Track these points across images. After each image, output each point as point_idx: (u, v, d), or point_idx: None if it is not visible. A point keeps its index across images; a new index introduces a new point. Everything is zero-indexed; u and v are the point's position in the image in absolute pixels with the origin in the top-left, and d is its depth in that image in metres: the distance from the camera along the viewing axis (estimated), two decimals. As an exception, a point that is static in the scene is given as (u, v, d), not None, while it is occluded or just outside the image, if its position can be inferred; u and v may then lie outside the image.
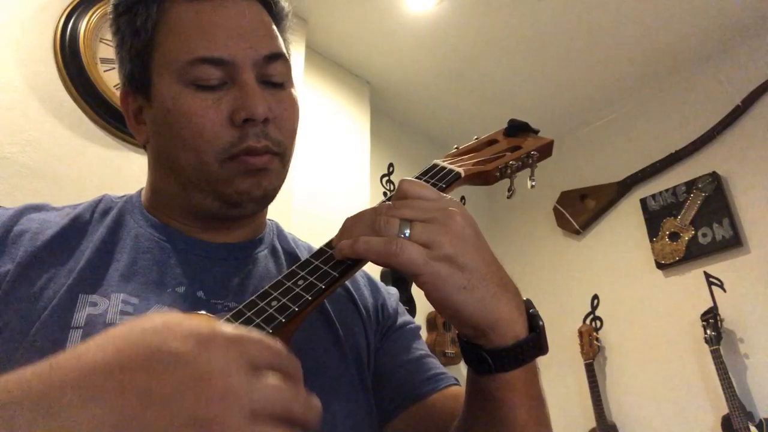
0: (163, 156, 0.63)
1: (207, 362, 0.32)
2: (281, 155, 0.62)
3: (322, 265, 0.50)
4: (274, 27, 0.64)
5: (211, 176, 0.59)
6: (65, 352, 0.34)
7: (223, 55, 0.58)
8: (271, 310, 0.46)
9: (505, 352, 0.48)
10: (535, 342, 0.49)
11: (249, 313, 0.45)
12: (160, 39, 0.60)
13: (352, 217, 0.52)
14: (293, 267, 0.51)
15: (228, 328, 0.35)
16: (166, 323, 0.34)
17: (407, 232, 0.47)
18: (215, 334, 0.33)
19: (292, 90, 0.64)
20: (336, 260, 0.50)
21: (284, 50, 0.64)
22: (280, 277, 0.50)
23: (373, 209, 0.50)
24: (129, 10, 0.62)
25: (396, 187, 0.53)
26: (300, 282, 0.49)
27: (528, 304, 0.51)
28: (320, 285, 0.48)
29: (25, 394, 0.31)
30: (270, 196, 0.63)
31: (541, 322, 0.50)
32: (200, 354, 0.32)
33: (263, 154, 0.59)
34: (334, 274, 0.49)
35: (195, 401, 0.31)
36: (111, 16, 0.64)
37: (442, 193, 0.51)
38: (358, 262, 0.50)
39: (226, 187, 0.60)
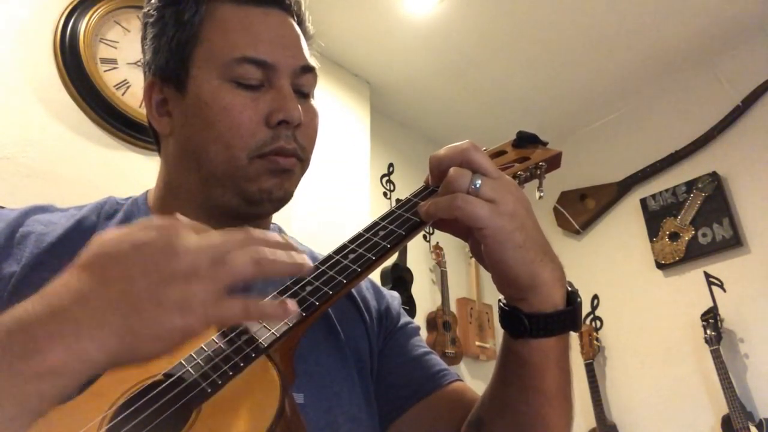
0: (189, 148, 0.63)
1: (163, 235, 0.38)
2: (303, 161, 0.65)
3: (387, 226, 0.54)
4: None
5: (237, 171, 0.61)
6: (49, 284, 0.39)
7: (267, 58, 0.61)
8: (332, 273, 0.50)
9: (543, 319, 0.51)
10: (571, 316, 0.52)
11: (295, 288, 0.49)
12: (206, 35, 0.62)
13: (436, 156, 0.56)
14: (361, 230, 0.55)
15: (166, 218, 0.41)
16: (113, 231, 0.40)
17: (478, 183, 0.50)
18: (175, 221, 0.40)
19: (314, 102, 0.67)
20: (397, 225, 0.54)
21: (315, 65, 0.67)
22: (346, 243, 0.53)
23: (457, 152, 0.54)
24: (177, 2, 0.63)
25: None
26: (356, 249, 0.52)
27: (570, 283, 0.54)
28: (369, 255, 0.51)
29: (31, 312, 0.36)
30: (287, 198, 0.65)
31: (579, 300, 0.53)
32: (165, 231, 0.38)
33: (291, 156, 0.62)
34: (385, 245, 0.52)
35: (167, 263, 0.37)
36: (155, 5, 0.65)
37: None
38: (422, 224, 0.54)
39: (251, 185, 0.61)
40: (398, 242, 0.52)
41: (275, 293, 0.48)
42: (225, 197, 0.63)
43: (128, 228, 0.40)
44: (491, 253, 0.50)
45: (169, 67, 0.63)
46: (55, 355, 0.33)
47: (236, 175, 0.61)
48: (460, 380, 0.70)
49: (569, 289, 0.53)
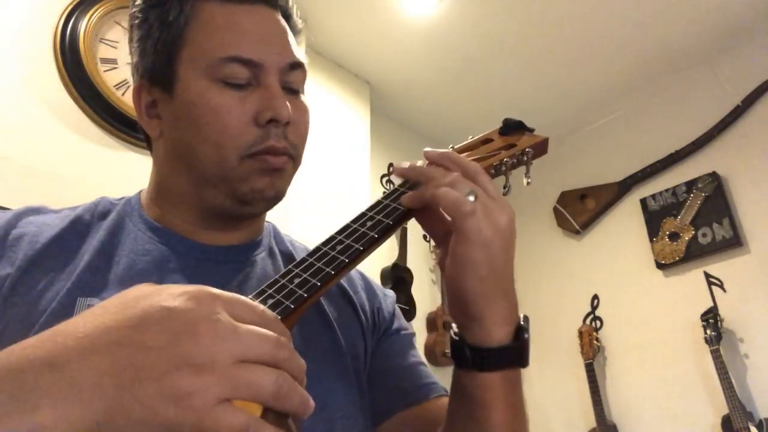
0: (179, 150, 0.63)
1: (197, 312, 0.35)
2: (294, 159, 0.64)
3: (369, 221, 0.54)
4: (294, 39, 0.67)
5: (229, 172, 0.60)
6: (65, 321, 0.36)
7: (253, 56, 0.60)
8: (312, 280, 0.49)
9: (486, 352, 0.51)
10: (516, 351, 0.52)
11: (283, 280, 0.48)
12: (192, 35, 0.61)
13: (443, 155, 0.55)
14: (333, 233, 0.54)
15: (215, 289, 0.37)
16: (157, 287, 0.37)
17: (472, 198, 0.49)
18: (202, 291, 0.36)
19: (305, 98, 0.67)
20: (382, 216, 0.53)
21: (304, 60, 0.66)
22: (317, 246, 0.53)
23: (467, 165, 0.54)
24: (161, 3, 0.62)
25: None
26: (343, 241, 0.52)
27: (522, 319, 0.54)
28: (357, 246, 0.51)
29: (31, 357, 0.33)
30: (280, 197, 0.64)
31: (526, 335, 0.52)
32: (190, 307, 0.35)
33: (282, 154, 0.61)
34: (376, 231, 0.52)
35: (187, 345, 0.33)
36: (140, 6, 0.64)
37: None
38: (408, 213, 0.53)
39: (242, 185, 0.61)
40: (385, 232, 0.52)
41: (263, 287, 0.48)
42: (217, 198, 0.62)
43: (166, 287, 0.37)
44: (452, 273, 0.50)
45: (156, 68, 0.63)
46: (39, 415, 0.31)
47: (228, 176, 0.60)
48: (448, 395, 0.69)
49: (521, 323, 0.53)
